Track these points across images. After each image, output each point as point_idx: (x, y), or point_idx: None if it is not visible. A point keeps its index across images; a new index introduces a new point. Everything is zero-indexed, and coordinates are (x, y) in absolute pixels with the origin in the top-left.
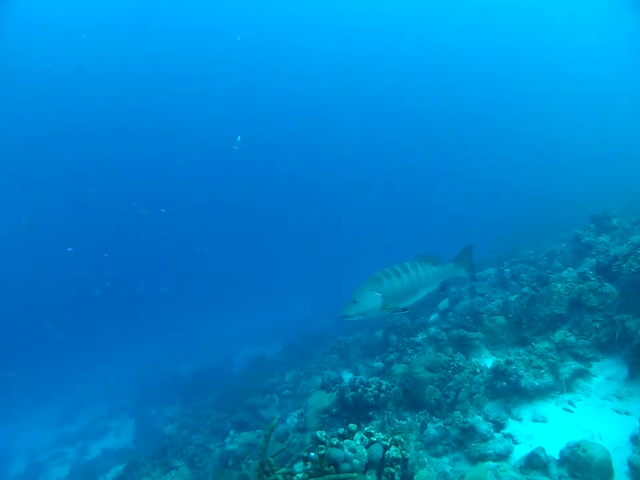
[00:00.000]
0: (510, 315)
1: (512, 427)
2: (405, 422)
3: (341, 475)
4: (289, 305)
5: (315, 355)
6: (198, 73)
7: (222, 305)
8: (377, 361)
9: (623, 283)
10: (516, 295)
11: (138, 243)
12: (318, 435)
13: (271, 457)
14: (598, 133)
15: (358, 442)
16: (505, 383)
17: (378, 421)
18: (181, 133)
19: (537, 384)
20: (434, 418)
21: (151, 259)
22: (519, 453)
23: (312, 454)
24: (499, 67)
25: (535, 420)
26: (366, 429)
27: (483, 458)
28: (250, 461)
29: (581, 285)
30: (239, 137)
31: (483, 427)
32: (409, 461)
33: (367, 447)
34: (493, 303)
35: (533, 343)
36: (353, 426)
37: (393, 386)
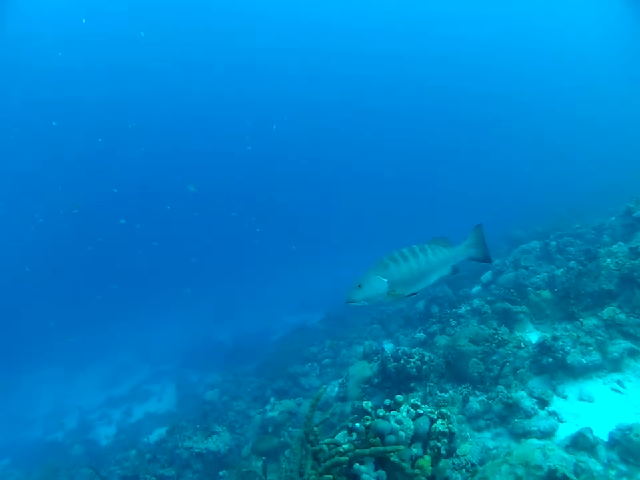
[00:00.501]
0: (556, 290)
1: (557, 404)
2: (447, 394)
3: (388, 447)
4: (332, 274)
5: (356, 325)
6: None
7: (266, 274)
8: (419, 332)
9: None
10: (562, 269)
11: (191, 218)
12: (364, 405)
13: (315, 427)
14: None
15: (404, 414)
16: (550, 359)
17: (420, 393)
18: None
19: (585, 361)
20: (476, 392)
21: (203, 233)
22: (564, 431)
23: (357, 424)
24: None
25: (581, 399)
26: (412, 400)
27: (526, 435)
28: (290, 428)
29: (632, 261)
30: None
31: (527, 403)
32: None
33: (413, 420)
34: (538, 276)
35: (580, 319)
36: (399, 397)
37: (435, 358)
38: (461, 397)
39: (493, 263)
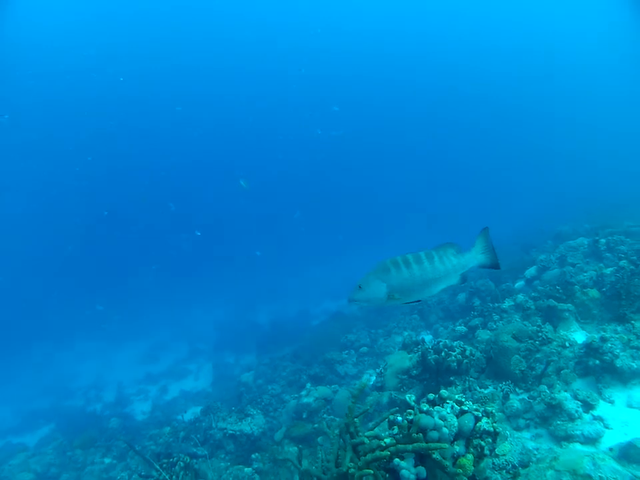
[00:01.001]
0: (604, 289)
1: (603, 409)
2: (486, 391)
3: (431, 445)
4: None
5: (395, 314)
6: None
7: (309, 262)
8: (460, 325)
9: None
10: (611, 268)
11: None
12: (407, 398)
13: (355, 418)
14: None
15: (448, 410)
16: (597, 361)
17: (459, 387)
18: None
19: (635, 366)
20: (517, 389)
21: (253, 222)
22: (611, 439)
23: (399, 418)
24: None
25: (630, 406)
26: (456, 397)
27: (569, 438)
28: (325, 415)
29: None
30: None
31: (571, 405)
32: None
33: (457, 416)
34: (586, 274)
35: (632, 322)
36: (444, 392)
37: (476, 352)
38: (501, 394)
39: (501, 269)
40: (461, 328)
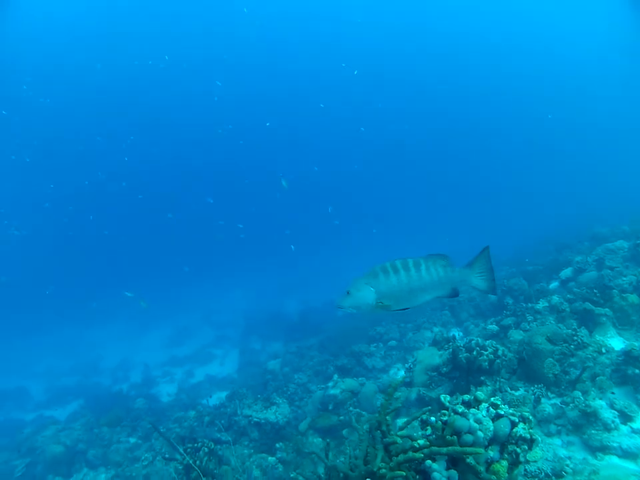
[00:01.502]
0: None
1: None
2: (517, 393)
3: (467, 449)
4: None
5: (425, 309)
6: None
7: (341, 254)
8: (491, 324)
9: None
10: None
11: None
12: (442, 398)
13: (387, 415)
14: None
15: (484, 412)
16: (637, 370)
17: (489, 388)
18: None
19: None
20: (549, 394)
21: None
22: None
23: (432, 418)
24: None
25: None
26: (492, 399)
27: (604, 449)
28: (351, 408)
29: None
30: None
31: (607, 414)
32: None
33: (492, 420)
34: (625, 279)
35: None
36: (480, 394)
37: (508, 352)
38: (532, 397)
39: (497, 295)
40: (493, 327)
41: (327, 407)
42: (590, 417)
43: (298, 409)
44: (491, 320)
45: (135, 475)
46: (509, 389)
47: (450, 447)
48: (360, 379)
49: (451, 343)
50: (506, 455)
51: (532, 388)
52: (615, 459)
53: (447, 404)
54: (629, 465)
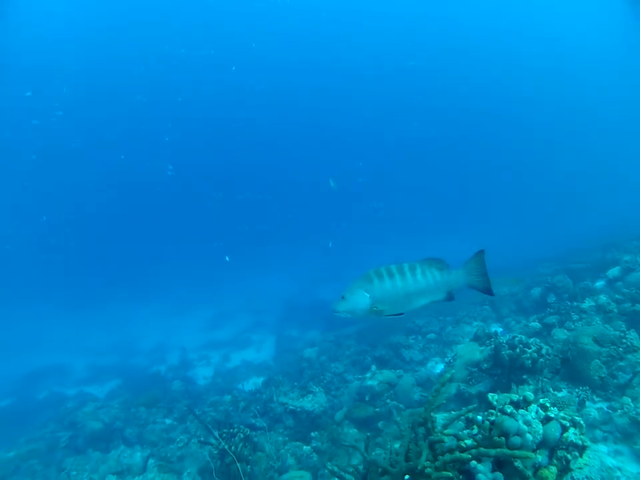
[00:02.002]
0: None
1: None
2: (560, 394)
3: (516, 452)
4: (449, 247)
5: (465, 303)
6: None
7: (382, 245)
8: (534, 321)
9: None
10: None
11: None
12: (489, 397)
13: (432, 412)
14: None
15: (533, 414)
16: None
17: (531, 387)
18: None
19: None
20: (594, 397)
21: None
22: None
23: (479, 417)
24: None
25: None
26: (541, 401)
27: None
28: (388, 400)
29: None
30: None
31: None
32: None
33: (541, 422)
34: None
35: None
36: (529, 395)
37: (551, 351)
38: (577, 399)
39: (494, 295)
40: (535, 324)
41: (364, 397)
42: None
43: (334, 399)
44: (533, 317)
45: (169, 455)
46: (551, 389)
47: (498, 449)
48: (398, 370)
49: (492, 339)
50: (555, 461)
51: (576, 390)
52: None
53: (495, 403)
54: None
